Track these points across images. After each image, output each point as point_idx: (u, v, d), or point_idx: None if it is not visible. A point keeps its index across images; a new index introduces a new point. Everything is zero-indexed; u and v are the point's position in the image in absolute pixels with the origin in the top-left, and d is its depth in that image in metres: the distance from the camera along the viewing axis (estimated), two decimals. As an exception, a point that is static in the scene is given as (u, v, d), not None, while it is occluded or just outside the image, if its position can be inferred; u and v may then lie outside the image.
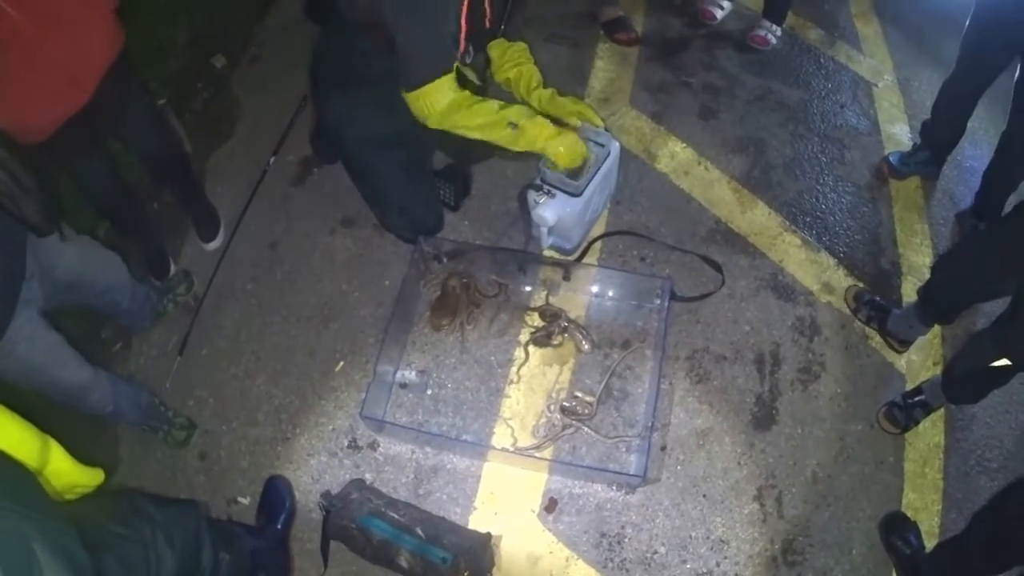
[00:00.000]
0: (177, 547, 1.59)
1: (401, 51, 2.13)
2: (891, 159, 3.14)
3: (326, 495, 2.34)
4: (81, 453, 2.38)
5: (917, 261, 2.90)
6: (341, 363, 2.69)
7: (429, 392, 2.58)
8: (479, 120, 2.27)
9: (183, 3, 3.41)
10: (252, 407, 2.55)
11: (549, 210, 2.54)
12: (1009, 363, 1.98)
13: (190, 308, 2.75)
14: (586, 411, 2.50)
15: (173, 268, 2.78)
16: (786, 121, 3.41)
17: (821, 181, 3.18)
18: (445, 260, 2.76)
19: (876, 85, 3.59)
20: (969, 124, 2.90)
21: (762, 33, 3.66)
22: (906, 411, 2.41)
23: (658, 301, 2.72)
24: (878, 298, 2.69)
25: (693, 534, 2.32)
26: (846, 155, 3.28)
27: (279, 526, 2.28)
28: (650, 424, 2.36)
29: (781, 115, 3.44)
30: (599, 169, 2.60)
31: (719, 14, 3.83)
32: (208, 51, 3.53)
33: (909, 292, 2.76)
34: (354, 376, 2.65)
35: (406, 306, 2.67)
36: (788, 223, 3.04)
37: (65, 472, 1.37)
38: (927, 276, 2.52)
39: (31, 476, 1.27)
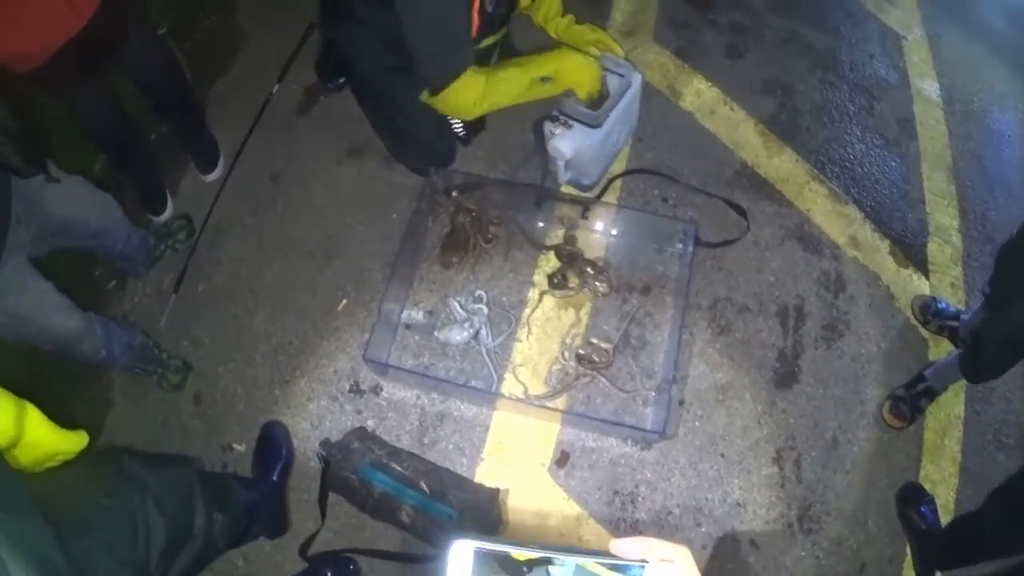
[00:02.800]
0: (168, 513, 1.34)
1: (417, 58, 1.79)
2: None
3: (325, 444, 1.99)
4: (72, 399, 1.98)
5: (944, 222, 2.50)
6: (344, 301, 2.30)
7: (437, 334, 2.16)
8: (513, 92, 1.91)
9: None
10: (250, 348, 2.21)
11: (566, 142, 2.10)
12: None
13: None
14: (602, 359, 2.10)
15: (170, 205, 2.43)
16: (814, 67, 2.94)
17: (849, 131, 2.75)
18: (456, 194, 2.31)
19: (905, 38, 3.11)
20: (997, 87, 2.51)
21: None
22: (911, 402, 2.07)
23: (681, 245, 2.30)
24: (943, 304, 2.25)
25: (709, 496, 2.02)
26: (875, 106, 2.83)
27: (275, 477, 1.94)
28: (671, 377, 1.96)
29: (809, 60, 2.97)
30: (620, 101, 2.17)
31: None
32: None
33: (935, 254, 2.42)
34: (357, 315, 2.26)
35: (414, 242, 2.25)
36: (816, 172, 2.62)
37: (43, 442, 1.13)
38: (953, 239, 2.30)
39: None
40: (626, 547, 0.49)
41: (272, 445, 2.00)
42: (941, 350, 2.21)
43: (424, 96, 1.92)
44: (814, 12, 3.13)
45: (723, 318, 2.28)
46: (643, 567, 0.47)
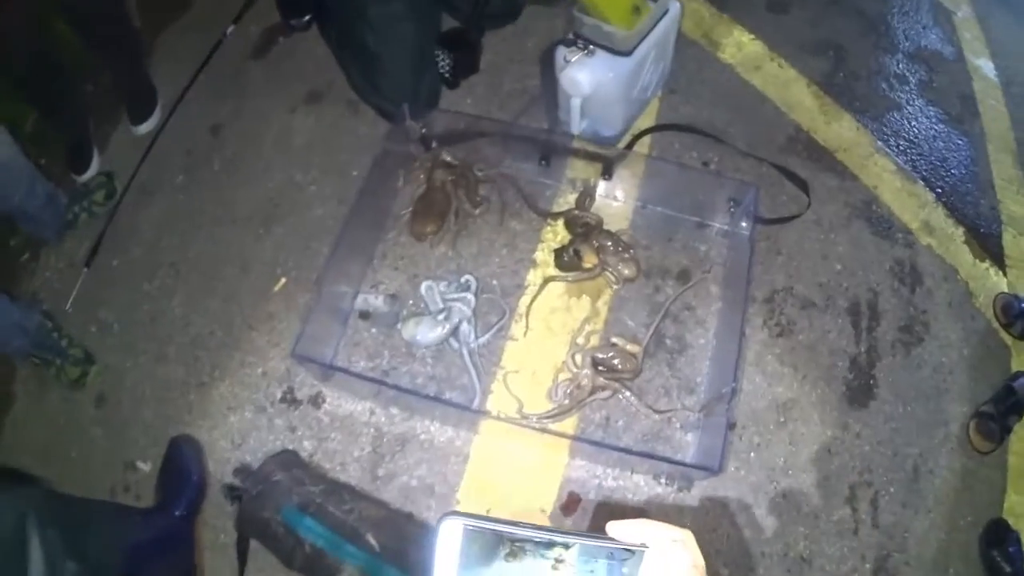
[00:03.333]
0: None
1: None
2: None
3: (241, 471, 1.48)
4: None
5: (1016, 211, 2.10)
6: (283, 280, 1.75)
7: (400, 328, 1.59)
8: None
9: None
10: (163, 337, 1.75)
11: (586, 72, 1.56)
12: None
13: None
14: (627, 367, 1.53)
15: (96, 162, 2.06)
16: (866, 31, 2.51)
17: (911, 102, 2.30)
18: (435, 144, 1.72)
19: (956, 13, 2.72)
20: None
21: None
22: (1000, 420, 1.70)
23: (731, 218, 1.73)
24: None
25: (767, 550, 1.52)
26: (934, 79, 2.41)
27: (179, 510, 1.45)
28: (726, 392, 1.38)
29: (861, 23, 2.53)
30: (654, 27, 1.65)
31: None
32: None
33: (1011, 247, 2.02)
34: (298, 299, 1.73)
35: (376, 203, 1.68)
36: (879, 143, 2.14)
37: None
38: None
39: None
40: (626, 530, 0.46)
41: (179, 468, 1.53)
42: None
43: None
44: None
45: (783, 315, 1.74)
46: (643, 551, 0.45)
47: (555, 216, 1.73)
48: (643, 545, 0.45)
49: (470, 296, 1.60)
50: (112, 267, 1.85)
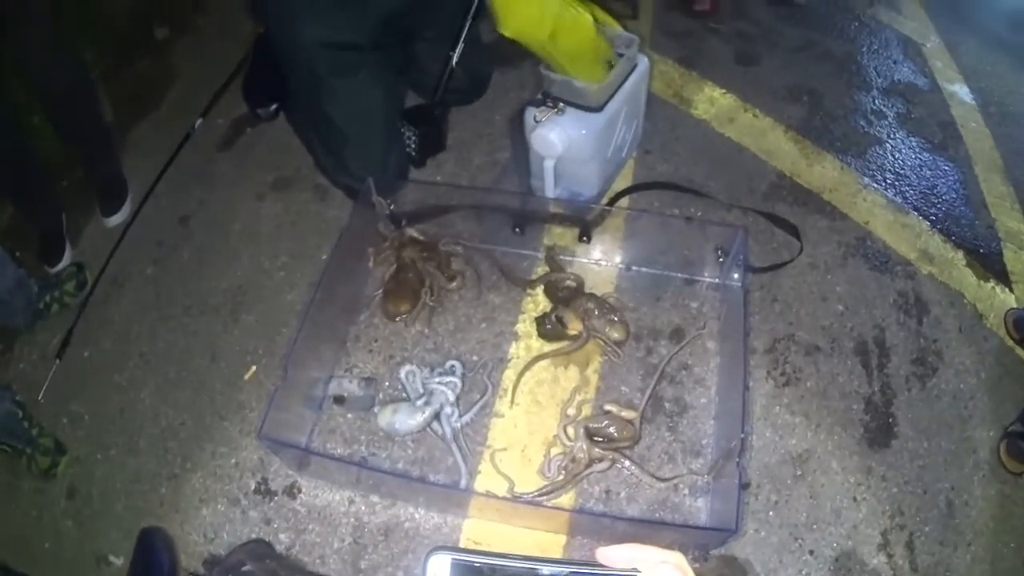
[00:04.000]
0: None
1: None
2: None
3: (210, 563, 1.36)
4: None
5: (1013, 227, 2.07)
6: (252, 368, 1.66)
7: (377, 411, 1.48)
8: None
9: None
10: (133, 429, 1.67)
11: (556, 132, 1.50)
12: None
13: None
14: (625, 435, 1.41)
15: (68, 254, 2.04)
16: (838, 72, 2.52)
17: (892, 136, 2.29)
18: (404, 222, 1.66)
19: (924, 45, 2.75)
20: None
21: None
22: None
23: (720, 269, 1.64)
24: None
25: None
26: (912, 111, 2.40)
27: None
28: (735, 447, 1.25)
29: (831, 66, 2.54)
30: (623, 82, 1.58)
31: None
32: (152, 22, 2.83)
33: (1013, 263, 1.98)
34: (269, 387, 1.63)
35: (346, 285, 1.60)
36: (866, 179, 2.10)
37: None
38: None
39: None
40: (615, 555, 0.44)
41: (150, 562, 1.43)
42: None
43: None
44: (826, 23, 2.78)
45: (787, 363, 1.64)
46: None
47: (532, 284, 1.65)
48: (634, 570, 0.44)
49: (455, 380, 1.48)
50: (83, 359, 1.81)
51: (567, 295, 1.60)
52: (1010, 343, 1.78)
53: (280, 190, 2.02)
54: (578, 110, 1.54)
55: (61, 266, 2.01)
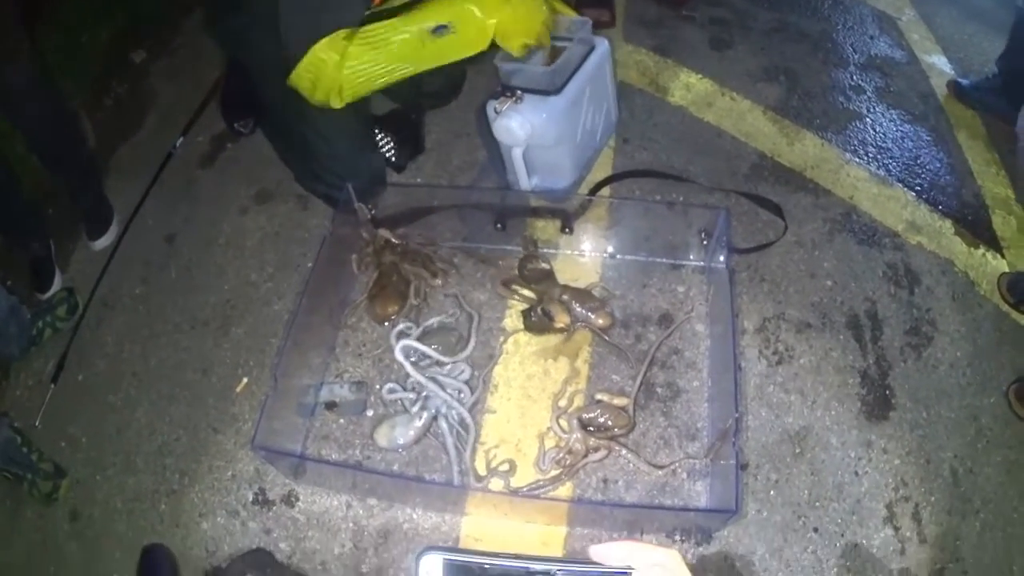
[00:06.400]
0: None
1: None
2: (960, 81, 2.37)
3: (212, 574, 1.36)
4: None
5: (1000, 193, 2.08)
6: (244, 380, 1.66)
7: (370, 414, 1.49)
8: (395, 54, 1.36)
9: (104, 2, 2.86)
10: (130, 448, 1.67)
11: (516, 118, 1.51)
12: None
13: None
14: (619, 423, 1.40)
15: (58, 279, 2.04)
16: (814, 50, 2.53)
17: (872, 110, 2.29)
18: (378, 225, 1.67)
19: (899, 19, 2.76)
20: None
21: None
22: None
23: (705, 252, 1.64)
24: None
25: None
26: (891, 84, 2.41)
27: None
28: (731, 427, 1.25)
29: (806, 45, 2.55)
30: (583, 64, 1.59)
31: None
32: (129, 47, 2.85)
33: (1002, 228, 1.98)
34: (261, 398, 1.57)
35: (330, 292, 1.59)
36: (848, 155, 2.11)
37: None
38: (1014, 209, 1.98)
39: None
40: (609, 553, 0.44)
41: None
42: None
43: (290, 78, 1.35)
44: (799, 2, 2.79)
45: (779, 342, 1.64)
46: (628, 574, 0.43)
47: (517, 279, 1.64)
48: (628, 568, 0.44)
49: (451, 380, 1.48)
50: (78, 382, 1.80)
51: (536, 275, 1.60)
52: (1005, 308, 1.78)
53: (263, 202, 2.01)
54: (537, 96, 1.53)
55: (52, 292, 2.01)
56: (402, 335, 1.54)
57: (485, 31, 1.36)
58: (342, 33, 1.32)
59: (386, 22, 1.34)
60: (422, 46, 1.35)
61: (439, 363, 1.47)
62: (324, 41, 1.29)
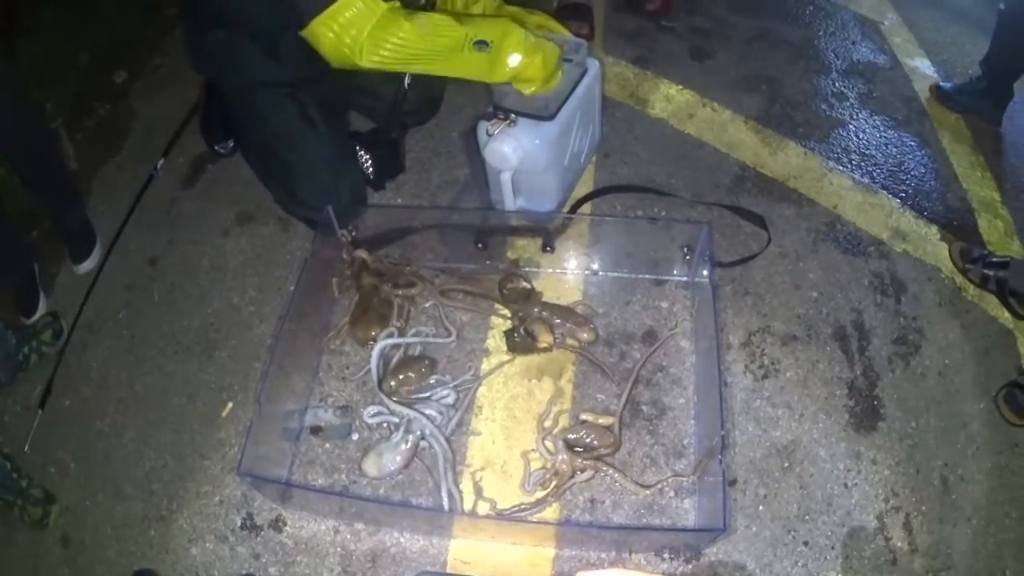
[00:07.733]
0: None
1: None
2: (943, 85, 2.39)
3: None
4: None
5: (986, 196, 2.09)
6: (229, 405, 1.65)
7: (355, 437, 1.49)
8: (437, 43, 1.39)
9: (84, 22, 2.85)
10: (118, 474, 1.67)
11: (510, 144, 1.51)
12: None
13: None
14: (604, 442, 1.40)
15: (43, 303, 2.03)
16: (795, 58, 2.53)
17: (855, 116, 2.30)
18: (354, 246, 1.67)
19: (882, 23, 2.78)
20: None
21: None
22: None
23: (688, 267, 1.65)
24: (988, 252, 1.87)
25: None
26: (874, 89, 2.42)
27: None
28: (719, 441, 1.26)
29: (787, 52, 2.56)
30: (575, 88, 1.61)
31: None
32: (110, 67, 2.84)
33: (988, 230, 1.99)
34: (247, 423, 1.60)
35: (312, 316, 1.59)
36: (831, 163, 2.12)
37: None
38: (1000, 212, 2.00)
39: None
40: None
41: None
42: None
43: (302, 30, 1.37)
44: (779, 9, 2.79)
45: (765, 355, 1.64)
46: None
47: (500, 299, 1.64)
48: None
49: (449, 395, 1.49)
50: (65, 407, 1.80)
51: (517, 295, 1.60)
52: (994, 314, 1.78)
53: (244, 224, 2.01)
54: (530, 120, 1.54)
55: (36, 316, 2.01)
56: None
57: (512, 71, 1.42)
58: (398, 5, 1.36)
59: (442, 16, 1.39)
60: (460, 52, 1.38)
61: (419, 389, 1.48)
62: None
